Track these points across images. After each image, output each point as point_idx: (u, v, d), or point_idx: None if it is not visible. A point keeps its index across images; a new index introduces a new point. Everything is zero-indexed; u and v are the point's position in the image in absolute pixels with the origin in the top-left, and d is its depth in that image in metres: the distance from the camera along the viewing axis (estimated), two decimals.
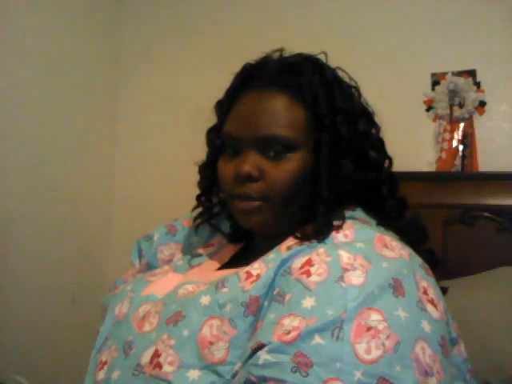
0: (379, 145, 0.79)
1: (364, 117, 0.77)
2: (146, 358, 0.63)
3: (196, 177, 0.87)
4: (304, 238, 0.66)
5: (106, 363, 0.67)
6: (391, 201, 0.76)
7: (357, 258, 0.61)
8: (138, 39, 2.25)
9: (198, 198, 0.87)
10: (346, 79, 0.79)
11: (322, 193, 0.69)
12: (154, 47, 2.22)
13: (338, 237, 0.65)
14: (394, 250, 0.64)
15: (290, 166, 0.70)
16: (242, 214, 0.73)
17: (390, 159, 0.80)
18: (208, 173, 0.83)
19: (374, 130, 0.78)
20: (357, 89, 0.79)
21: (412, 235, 0.74)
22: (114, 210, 2.22)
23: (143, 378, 0.61)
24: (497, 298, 1.16)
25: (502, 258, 1.33)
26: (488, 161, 1.55)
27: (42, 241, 1.87)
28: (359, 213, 0.73)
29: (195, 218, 0.89)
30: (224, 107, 0.79)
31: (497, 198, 1.44)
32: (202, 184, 0.86)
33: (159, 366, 0.61)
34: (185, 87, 2.12)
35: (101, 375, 0.67)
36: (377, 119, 0.79)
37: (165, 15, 2.20)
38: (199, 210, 0.88)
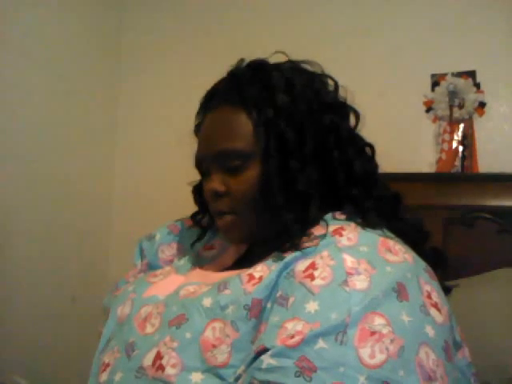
0: (349, 140, 0.75)
1: (329, 112, 0.74)
2: (148, 360, 0.62)
3: (195, 177, 0.87)
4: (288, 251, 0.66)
5: (108, 365, 0.67)
6: (368, 202, 0.73)
7: (361, 262, 0.60)
8: (138, 39, 2.24)
9: (194, 216, 0.90)
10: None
11: (273, 202, 0.69)
12: (154, 47, 2.21)
13: (342, 240, 0.64)
14: (397, 254, 0.64)
15: (248, 176, 0.72)
16: (222, 230, 0.77)
17: (368, 157, 0.77)
18: (198, 194, 0.87)
19: (344, 124, 0.76)
20: (324, 82, 0.77)
21: (411, 236, 0.72)
22: (113, 209, 2.22)
23: (146, 380, 0.61)
24: (497, 299, 1.16)
25: (501, 259, 1.33)
26: (488, 162, 1.55)
27: (42, 241, 1.86)
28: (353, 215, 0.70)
29: (192, 244, 0.89)
30: (197, 131, 0.84)
31: (497, 198, 1.44)
32: (196, 204, 0.89)
33: (162, 368, 0.61)
34: (185, 87, 2.12)
35: (103, 377, 0.67)
36: (356, 106, 0.77)
37: (165, 15, 2.19)
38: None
